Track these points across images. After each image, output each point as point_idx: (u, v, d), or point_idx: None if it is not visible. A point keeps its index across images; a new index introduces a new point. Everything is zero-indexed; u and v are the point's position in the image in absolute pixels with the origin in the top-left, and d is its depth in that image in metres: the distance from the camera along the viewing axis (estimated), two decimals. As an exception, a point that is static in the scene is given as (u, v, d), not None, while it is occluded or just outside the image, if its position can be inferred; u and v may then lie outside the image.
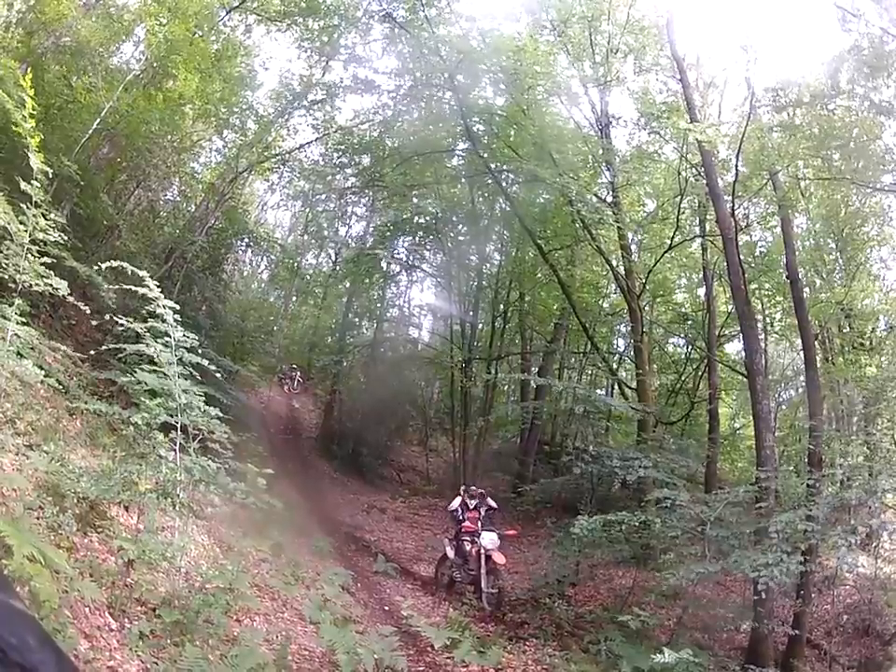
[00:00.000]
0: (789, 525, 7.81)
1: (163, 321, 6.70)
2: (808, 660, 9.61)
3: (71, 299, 7.57)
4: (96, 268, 7.44)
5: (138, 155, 16.07)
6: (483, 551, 11.34)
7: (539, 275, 21.30)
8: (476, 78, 16.31)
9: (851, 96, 12.17)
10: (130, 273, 6.69)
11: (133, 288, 6.77)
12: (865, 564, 10.81)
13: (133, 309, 7.50)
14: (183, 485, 6.87)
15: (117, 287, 7.71)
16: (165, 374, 6.75)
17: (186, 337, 6.89)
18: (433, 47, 15.06)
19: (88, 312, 7.92)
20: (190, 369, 7.00)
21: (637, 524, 9.82)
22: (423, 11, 15.36)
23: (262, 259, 27.54)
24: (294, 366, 28.28)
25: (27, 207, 7.05)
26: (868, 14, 11.07)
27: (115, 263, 6.66)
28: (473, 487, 12.86)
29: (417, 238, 23.35)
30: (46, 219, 7.29)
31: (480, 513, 12.17)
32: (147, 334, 6.74)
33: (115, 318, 6.93)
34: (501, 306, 22.23)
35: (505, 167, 17.77)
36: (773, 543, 7.70)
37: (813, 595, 10.04)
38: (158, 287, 6.75)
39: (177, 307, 6.90)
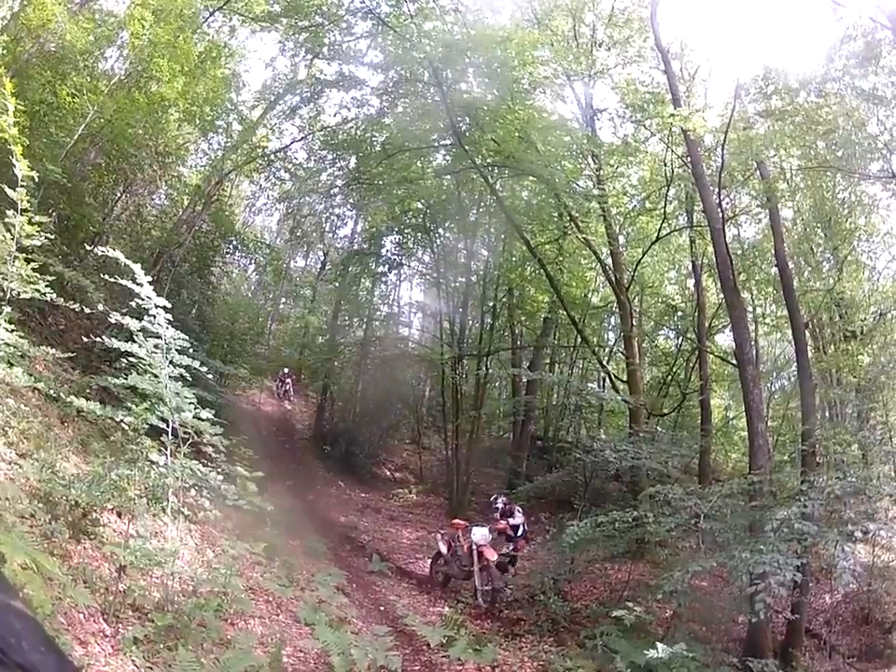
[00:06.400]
0: (784, 524, 7.78)
1: (153, 318, 6.67)
2: (808, 649, 9.64)
3: (60, 300, 7.52)
4: (87, 249, 7.35)
5: (124, 159, 15.98)
6: (474, 546, 11.34)
7: (528, 270, 21.25)
8: (461, 72, 16.22)
9: (840, 85, 12.21)
10: (123, 265, 6.67)
11: (123, 282, 6.72)
12: (863, 552, 10.82)
13: (123, 314, 7.44)
14: (173, 489, 6.85)
15: (108, 281, 7.66)
16: (156, 376, 6.71)
17: (174, 338, 6.86)
18: (417, 41, 14.98)
19: (77, 309, 7.86)
20: (181, 370, 6.96)
21: (630, 520, 9.79)
22: (406, 6, 15.33)
23: (251, 262, 27.40)
24: (286, 371, 28.11)
25: (14, 214, 6.99)
26: (859, 3, 11.14)
27: (111, 253, 6.61)
28: (504, 498, 12.80)
29: (405, 236, 23.33)
30: (31, 223, 7.23)
31: (507, 524, 12.11)
32: (140, 333, 6.70)
33: (107, 311, 6.91)
34: (490, 302, 22.09)
35: (490, 160, 17.68)
36: (769, 541, 7.67)
37: (811, 585, 10.04)
38: (149, 282, 6.73)
39: (168, 305, 6.85)
